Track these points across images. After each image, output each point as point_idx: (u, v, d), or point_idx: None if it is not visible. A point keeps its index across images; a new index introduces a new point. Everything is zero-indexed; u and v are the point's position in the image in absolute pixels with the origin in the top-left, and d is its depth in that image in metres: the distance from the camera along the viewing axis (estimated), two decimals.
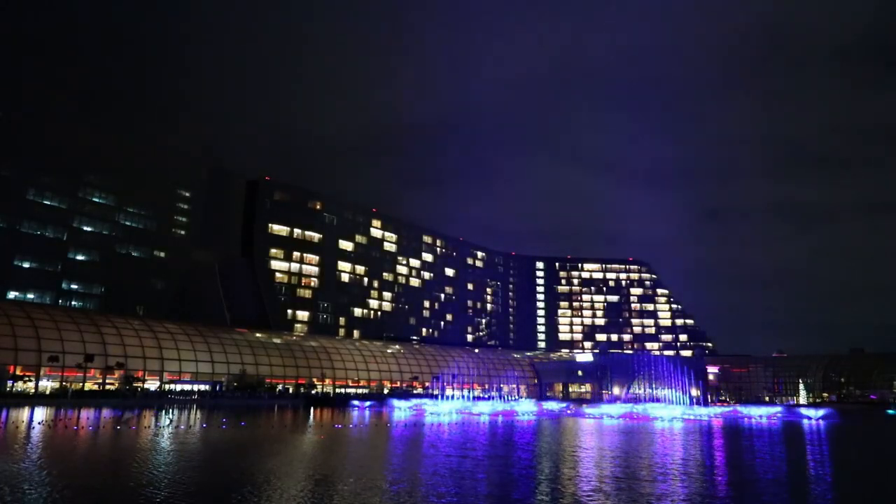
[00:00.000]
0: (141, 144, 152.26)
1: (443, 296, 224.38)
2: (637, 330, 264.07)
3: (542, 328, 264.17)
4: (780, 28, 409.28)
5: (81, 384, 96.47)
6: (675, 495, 21.21)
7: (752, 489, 23.23)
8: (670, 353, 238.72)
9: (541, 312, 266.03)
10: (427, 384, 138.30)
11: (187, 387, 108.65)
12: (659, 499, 20.42)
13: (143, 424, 49.62)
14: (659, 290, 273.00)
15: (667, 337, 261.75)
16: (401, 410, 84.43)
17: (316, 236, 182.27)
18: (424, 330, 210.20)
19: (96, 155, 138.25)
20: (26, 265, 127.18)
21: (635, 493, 21.35)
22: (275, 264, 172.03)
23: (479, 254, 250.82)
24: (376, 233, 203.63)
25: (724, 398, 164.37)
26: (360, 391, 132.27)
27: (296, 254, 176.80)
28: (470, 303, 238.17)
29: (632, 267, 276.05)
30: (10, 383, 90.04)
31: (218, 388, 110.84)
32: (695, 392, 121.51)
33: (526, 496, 21.21)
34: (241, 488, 21.05)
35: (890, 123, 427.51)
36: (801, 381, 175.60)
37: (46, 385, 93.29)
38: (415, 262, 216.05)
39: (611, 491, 21.77)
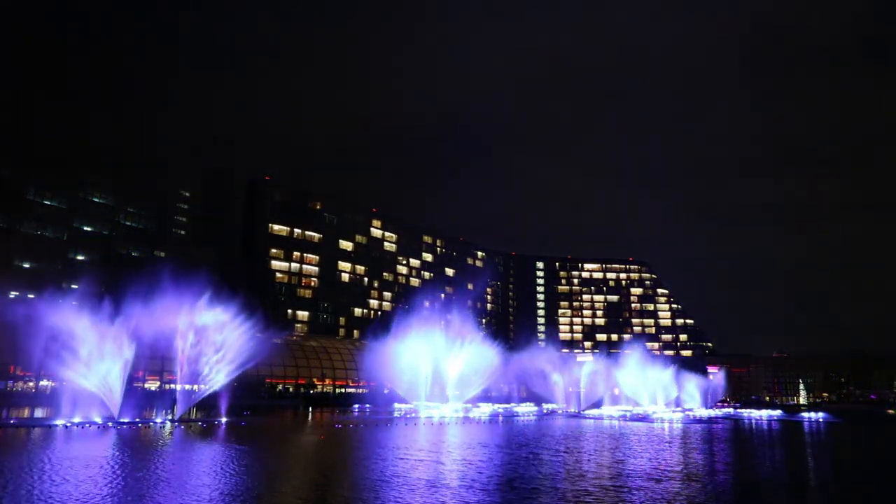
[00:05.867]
0: (141, 144, 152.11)
1: (443, 296, 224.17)
2: (637, 330, 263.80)
3: (542, 328, 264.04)
4: (778, 27, 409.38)
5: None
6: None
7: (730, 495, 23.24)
8: (670, 353, 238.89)
9: (541, 312, 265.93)
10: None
11: (186, 386, 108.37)
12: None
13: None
14: (659, 290, 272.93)
15: (667, 337, 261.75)
16: (401, 411, 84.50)
17: (316, 236, 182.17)
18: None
19: (96, 155, 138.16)
20: (26, 265, 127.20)
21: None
22: (275, 264, 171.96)
23: (479, 254, 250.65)
24: (376, 233, 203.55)
25: (724, 399, 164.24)
26: (360, 391, 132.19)
27: (296, 254, 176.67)
28: (470, 303, 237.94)
29: (632, 267, 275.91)
30: (10, 383, 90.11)
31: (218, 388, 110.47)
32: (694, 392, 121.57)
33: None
34: None
35: (889, 123, 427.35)
36: (801, 381, 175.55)
37: (46, 385, 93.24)
38: (415, 262, 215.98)
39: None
